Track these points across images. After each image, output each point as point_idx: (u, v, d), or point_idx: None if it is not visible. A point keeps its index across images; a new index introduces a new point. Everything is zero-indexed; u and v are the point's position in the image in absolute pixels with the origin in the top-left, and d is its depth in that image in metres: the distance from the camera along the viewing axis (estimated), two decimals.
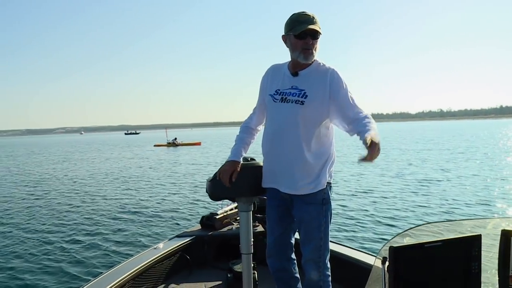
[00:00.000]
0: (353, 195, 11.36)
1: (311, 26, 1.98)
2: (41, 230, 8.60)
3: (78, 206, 11.15)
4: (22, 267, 6.10)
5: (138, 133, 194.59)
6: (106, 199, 12.11)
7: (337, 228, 7.51)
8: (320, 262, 2.14)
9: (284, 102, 2.09)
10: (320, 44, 2.07)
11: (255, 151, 2.46)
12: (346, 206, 9.81)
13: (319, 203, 2.11)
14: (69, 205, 11.46)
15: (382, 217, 8.73)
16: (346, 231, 7.57)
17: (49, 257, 6.58)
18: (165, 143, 48.48)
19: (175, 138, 48.94)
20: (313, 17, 2.01)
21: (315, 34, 2.01)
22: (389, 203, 10.24)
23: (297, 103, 2.05)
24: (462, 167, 17.04)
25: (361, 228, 7.83)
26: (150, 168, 21.59)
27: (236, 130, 2.41)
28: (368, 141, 1.79)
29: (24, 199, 13.02)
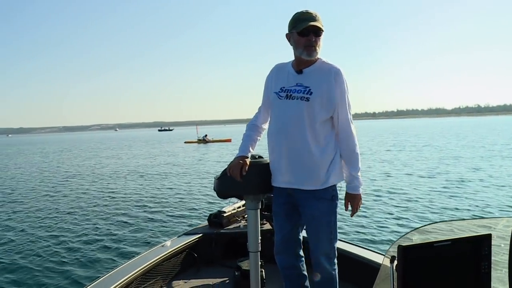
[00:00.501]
0: (364, 193, 11.10)
1: (313, 23, 2.01)
2: (52, 227, 8.78)
3: (90, 204, 11.32)
4: (32, 264, 6.24)
5: (171, 130, 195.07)
6: (119, 197, 12.23)
7: (345, 226, 7.37)
8: (331, 256, 2.21)
9: (289, 99, 2.12)
10: (324, 40, 2.10)
11: (257, 151, 2.44)
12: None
13: (329, 199, 2.16)
14: (82, 202, 11.66)
15: (392, 215, 8.55)
16: (355, 229, 7.44)
17: (57, 254, 6.73)
18: (196, 140, 48.80)
19: (206, 135, 49.17)
20: (316, 15, 2.05)
21: (317, 31, 2.05)
22: (399, 201, 10.00)
23: (302, 99, 2.08)
24: (497, 166, 16.19)
25: (369, 227, 7.68)
26: (174, 165, 21.62)
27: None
28: (349, 206, 2.25)
29: (43, 195, 13.34)
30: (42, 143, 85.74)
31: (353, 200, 2.24)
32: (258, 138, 2.37)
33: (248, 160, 2.22)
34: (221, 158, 24.92)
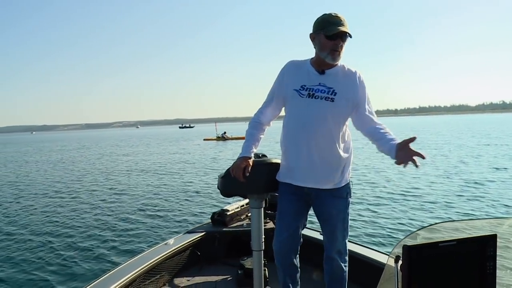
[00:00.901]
0: (369, 191, 10.91)
1: (343, 28, 2.04)
2: (57, 222, 8.84)
3: (96, 201, 11.35)
4: (37, 259, 6.32)
5: (192, 127, 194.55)
6: (126, 195, 12.22)
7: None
8: (343, 253, 2.27)
9: (312, 98, 2.12)
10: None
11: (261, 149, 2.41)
12: (360, 203, 9.46)
13: (344, 197, 2.22)
14: (88, 199, 11.68)
15: (397, 214, 8.33)
16: (359, 228, 7.31)
17: (60, 250, 6.79)
18: (215, 137, 48.60)
19: (225, 132, 49.11)
20: (343, 20, 2.07)
21: (344, 36, 2.07)
22: (406, 200, 9.73)
23: (327, 100, 2.10)
24: None
25: (373, 226, 7.52)
26: (187, 163, 21.34)
27: None
28: (406, 142, 1.94)
29: (53, 192, 13.44)
30: (62, 140, 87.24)
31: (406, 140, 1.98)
32: (261, 136, 2.34)
33: (251, 161, 2.21)
34: (237, 155, 24.76)
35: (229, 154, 26.55)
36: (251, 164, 2.19)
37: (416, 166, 1.91)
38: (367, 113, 2.19)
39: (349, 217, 2.27)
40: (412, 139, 1.95)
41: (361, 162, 17.51)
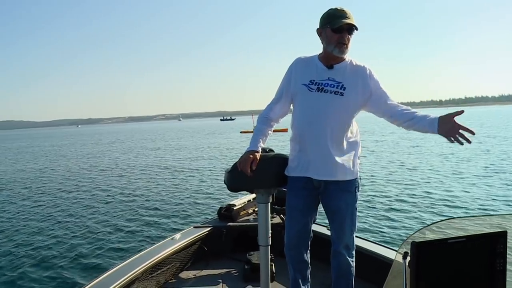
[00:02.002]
0: (378, 186, 10.69)
1: (348, 21, 2.06)
2: (68, 216, 9.01)
3: (107, 195, 11.46)
4: (45, 251, 6.45)
5: (233, 119, 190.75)
6: (138, 190, 12.22)
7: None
8: (350, 247, 2.27)
9: (321, 92, 2.13)
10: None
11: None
12: (368, 198, 9.28)
13: (353, 191, 2.21)
14: (100, 193, 11.82)
15: (405, 210, 8.14)
16: (366, 224, 7.19)
17: (69, 243, 6.88)
18: (251, 130, 49.19)
19: None
20: (349, 13, 2.09)
21: (350, 29, 2.09)
22: (415, 195, 9.50)
23: (336, 94, 2.12)
24: None
25: (380, 222, 7.39)
26: (210, 158, 20.89)
27: None
28: (452, 115, 1.90)
29: (71, 186, 13.71)
30: (101, 134, 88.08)
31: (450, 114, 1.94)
32: (270, 132, 2.35)
33: (258, 155, 2.20)
34: (275, 147, 24.00)
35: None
36: (258, 158, 2.18)
37: (468, 141, 1.88)
38: (387, 99, 2.19)
39: (357, 212, 2.27)
40: (459, 112, 1.91)
41: (371, 157, 17.21)
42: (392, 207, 8.45)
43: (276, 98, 2.32)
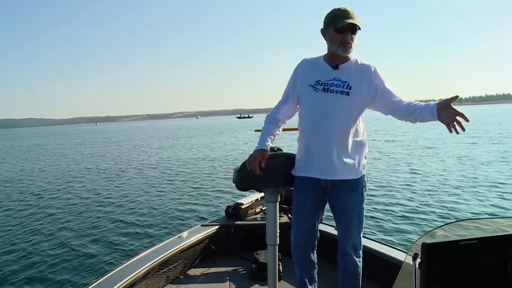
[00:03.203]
0: (386, 186, 10.54)
1: (351, 21, 2.06)
2: (76, 213, 9.07)
3: (113, 193, 11.45)
4: (51, 252, 6.41)
5: (251, 117, 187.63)
6: (147, 187, 12.23)
7: (365, 222, 6.78)
8: (357, 247, 2.26)
9: (327, 92, 2.14)
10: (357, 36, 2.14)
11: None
12: (377, 197, 9.17)
13: (360, 191, 2.22)
14: (107, 191, 11.83)
15: (415, 211, 7.99)
16: (374, 224, 7.09)
17: (77, 241, 6.89)
18: None
19: None
20: (352, 13, 2.09)
21: (354, 29, 2.09)
22: (424, 196, 9.29)
23: (342, 93, 2.12)
24: None
25: (389, 222, 7.29)
26: (220, 157, 20.60)
27: None
28: (448, 101, 1.93)
29: (77, 183, 13.78)
30: (114, 132, 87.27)
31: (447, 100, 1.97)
32: (277, 132, 2.34)
33: (267, 154, 2.20)
34: (286, 146, 23.42)
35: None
36: (266, 156, 2.19)
37: (462, 129, 1.90)
38: (392, 96, 2.18)
39: (364, 212, 2.26)
40: (454, 98, 1.95)
41: (382, 157, 16.94)
42: (401, 207, 8.36)
43: (283, 100, 2.33)
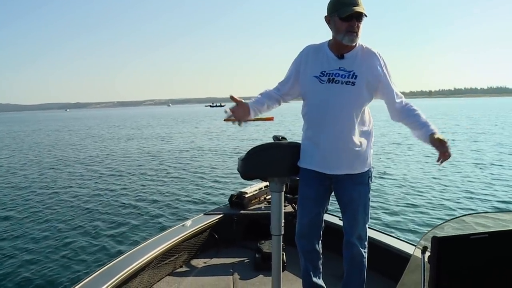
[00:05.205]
0: (394, 178, 10.49)
1: (357, 8, 1.98)
2: (74, 202, 8.96)
3: (119, 182, 11.34)
4: (55, 241, 6.40)
5: (223, 106, 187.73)
6: (149, 175, 12.17)
7: (373, 214, 6.87)
8: (363, 238, 2.24)
9: (333, 83, 2.08)
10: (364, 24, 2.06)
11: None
12: (384, 189, 9.13)
13: (366, 183, 2.19)
14: (103, 180, 11.69)
15: (423, 205, 7.92)
16: (380, 215, 7.07)
17: (73, 233, 6.83)
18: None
19: None
20: None
21: (360, 17, 2.01)
22: (433, 189, 9.24)
23: (347, 84, 2.07)
24: None
25: (396, 214, 7.25)
26: (204, 145, 20.65)
27: None
28: (440, 140, 1.95)
29: (78, 170, 13.67)
30: (81, 119, 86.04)
31: (442, 139, 1.98)
32: (268, 103, 2.23)
33: (245, 105, 2.13)
34: (262, 137, 23.24)
35: (249, 136, 25.01)
36: (246, 108, 2.13)
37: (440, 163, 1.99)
38: (393, 93, 2.15)
39: (370, 203, 2.24)
40: (446, 158, 1.97)
41: (391, 147, 16.83)
42: (410, 199, 8.29)
43: (283, 82, 2.27)
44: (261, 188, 3.93)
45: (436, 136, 1.98)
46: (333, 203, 2.32)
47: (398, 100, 2.15)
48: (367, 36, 2.04)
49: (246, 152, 2.25)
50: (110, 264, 2.59)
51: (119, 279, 2.44)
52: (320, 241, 2.35)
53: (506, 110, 59.28)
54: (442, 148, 1.97)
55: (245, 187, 3.91)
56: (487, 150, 15.89)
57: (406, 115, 2.15)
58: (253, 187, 3.89)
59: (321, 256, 2.37)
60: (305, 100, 2.22)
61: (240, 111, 2.13)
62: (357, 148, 2.12)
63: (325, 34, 2.22)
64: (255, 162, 2.19)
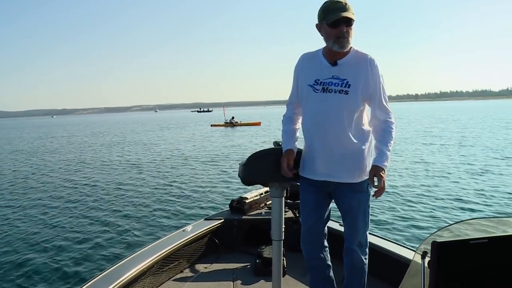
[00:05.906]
0: (394, 183, 10.49)
1: (344, 14, 1.96)
2: (73, 209, 8.92)
3: (120, 187, 11.34)
4: (52, 247, 6.38)
5: (210, 111, 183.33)
6: (149, 181, 12.19)
7: (374, 219, 6.96)
8: (363, 245, 2.23)
9: (326, 92, 2.08)
10: (356, 29, 2.05)
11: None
12: (385, 194, 9.11)
13: (365, 190, 2.18)
14: (103, 186, 11.65)
15: (423, 210, 7.98)
16: (380, 221, 7.11)
17: (77, 236, 6.85)
18: (222, 123, 45.84)
19: (233, 117, 45.95)
20: (345, 3, 1.99)
21: (349, 21, 1.99)
22: (433, 194, 9.28)
23: (341, 93, 2.06)
24: None
25: (396, 220, 7.30)
26: (193, 151, 20.64)
27: None
28: (375, 183, 2.02)
29: (80, 175, 13.67)
30: (68, 124, 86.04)
31: (380, 172, 2.03)
32: (297, 127, 2.31)
33: (293, 153, 2.20)
34: (247, 142, 23.24)
35: (238, 141, 24.98)
36: (294, 155, 2.20)
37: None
38: (377, 105, 2.13)
39: (370, 209, 2.24)
40: (377, 195, 2.04)
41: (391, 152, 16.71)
42: (410, 204, 8.31)
43: (292, 98, 2.30)
44: (262, 194, 3.93)
45: (375, 170, 2.03)
46: (334, 210, 2.32)
47: (379, 113, 2.13)
48: (353, 39, 2.05)
49: (247, 157, 2.26)
50: (111, 269, 2.59)
51: (120, 284, 2.43)
52: (326, 250, 2.33)
53: (491, 113, 60.03)
54: (372, 184, 2.04)
55: (245, 192, 3.90)
56: (483, 155, 15.88)
57: (375, 132, 2.16)
58: (253, 193, 3.89)
59: (329, 264, 2.34)
60: (302, 109, 2.24)
61: (292, 158, 2.21)
62: (354, 158, 2.11)
63: (316, 38, 2.20)
64: (256, 168, 2.20)
